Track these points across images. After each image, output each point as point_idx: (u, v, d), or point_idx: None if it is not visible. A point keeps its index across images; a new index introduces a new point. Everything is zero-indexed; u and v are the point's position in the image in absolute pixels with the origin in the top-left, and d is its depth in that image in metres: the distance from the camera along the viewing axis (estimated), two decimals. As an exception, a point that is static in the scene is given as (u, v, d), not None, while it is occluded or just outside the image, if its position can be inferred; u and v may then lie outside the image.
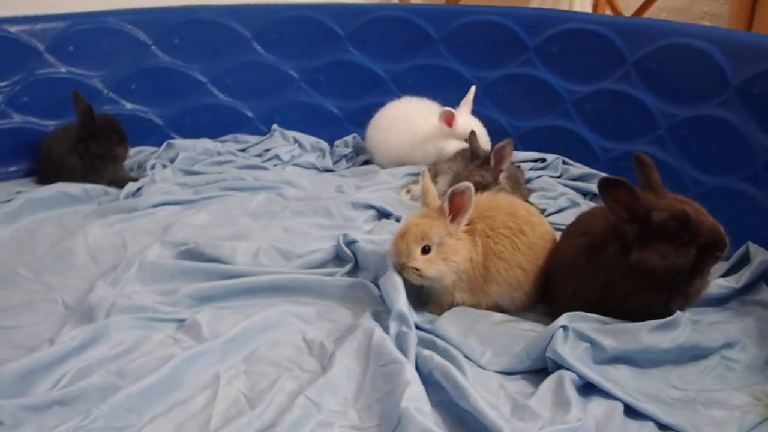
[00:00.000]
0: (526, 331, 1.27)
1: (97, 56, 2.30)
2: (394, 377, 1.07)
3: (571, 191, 2.00)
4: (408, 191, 2.02)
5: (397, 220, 1.79)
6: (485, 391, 1.09)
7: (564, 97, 2.28)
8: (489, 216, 1.34)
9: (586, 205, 1.90)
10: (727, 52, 1.79)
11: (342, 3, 2.70)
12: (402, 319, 1.22)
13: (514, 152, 1.91)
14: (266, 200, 1.97)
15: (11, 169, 2.16)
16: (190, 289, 1.39)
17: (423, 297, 1.41)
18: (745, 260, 1.48)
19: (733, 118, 1.74)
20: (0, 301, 1.40)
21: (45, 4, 2.27)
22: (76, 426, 0.98)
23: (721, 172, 1.75)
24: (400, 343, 1.17)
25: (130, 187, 1.99)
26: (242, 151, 2.42)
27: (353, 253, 1.52)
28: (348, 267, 1.50)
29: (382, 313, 1.31)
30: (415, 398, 1.01)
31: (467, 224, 1.32)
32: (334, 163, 2.40)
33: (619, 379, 1.13)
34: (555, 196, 1.95)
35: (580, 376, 1.10)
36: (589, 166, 2.17)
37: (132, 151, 2.22)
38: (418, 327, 1.26)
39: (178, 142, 2.37)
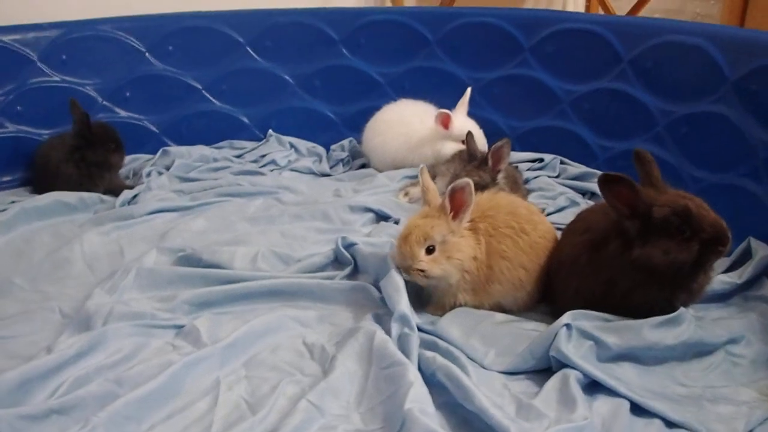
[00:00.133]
0: (529, 331, 1.26)
1: (90, 64, 2.29)
2: (396, 379, 1.06)
3: (569, 190, 1.99)
4: (406, 194, 2.01)
5: (396, 222, 1.78)
6: (489, 392, 1.08)
7: (561, 97, 2.28)
8: (490, 215, 1.33)
9: (586, 204, 1.89)
10: (723, 48, 1.79)
11: (336, 7, 2.70)
12: (404, 320, 1.21)
13: (512, 153, 1.90)
14: (264, 205, 1.95)
15: (5, 178, 2.14)
16: (189, 295, 1.37)
17: (423, 299, 1.39)
18: (746, 256, 1.48)
19: (730, 114, 1.74)
20: (-4, 311, 1.38)
21: (37, 12, 2.26)
22: (75, 435, 0.96)
23: (721, 169, 1.75)
24: (403, 345, 1.16)
25: (126, 194, 1.98)
26: (238, 157, 2.41)
27: (352, 256, 1.51)
28: (347, 270, 1.49)
29: (383, 315, 1.30)
30: (418, 400, 1.00)
31: (470, 222, 1.31)
32: (331, 168, 2.38)
33: (623, 376, 1.13)
34: (554, 196, 1.95)
35: (585, 375, 1.09)
36: (588, 165, 2.16)
37: (127, 159, 2.22)
38: (420, 328, 1.24)
39: (174, 149, 2.36)
